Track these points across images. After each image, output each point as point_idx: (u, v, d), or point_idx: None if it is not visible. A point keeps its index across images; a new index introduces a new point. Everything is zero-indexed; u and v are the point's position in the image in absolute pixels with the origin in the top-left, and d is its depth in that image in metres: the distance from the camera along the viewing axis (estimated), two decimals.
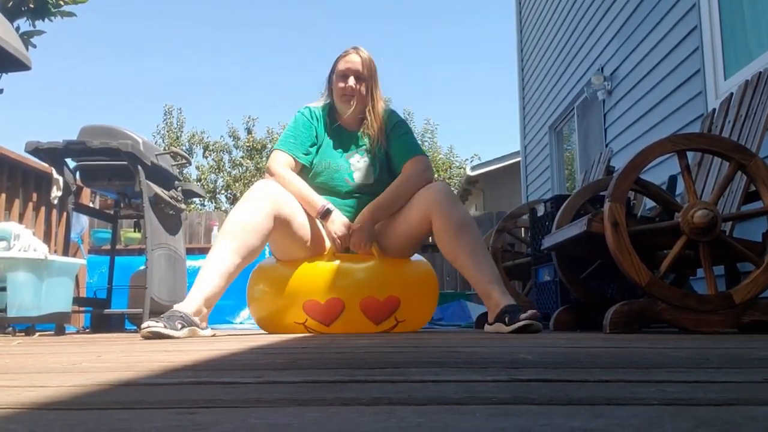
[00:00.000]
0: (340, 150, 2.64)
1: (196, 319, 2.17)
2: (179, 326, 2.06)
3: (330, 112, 2.69)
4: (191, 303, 2.19)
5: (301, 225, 2.49)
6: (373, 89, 2.63)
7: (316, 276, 2.47)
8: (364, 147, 2.65)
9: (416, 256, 2.70)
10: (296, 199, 2.48)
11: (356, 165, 2.62)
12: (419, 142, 2.72)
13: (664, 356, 1.13)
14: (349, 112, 2.61)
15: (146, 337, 2.02)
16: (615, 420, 0.50)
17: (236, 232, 2.30)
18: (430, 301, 2.64)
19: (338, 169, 2.60)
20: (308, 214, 2.50)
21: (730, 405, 0.58)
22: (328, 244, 2.55)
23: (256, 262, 2.50)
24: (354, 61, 2.61)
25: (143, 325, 2.07)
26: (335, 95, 2.64)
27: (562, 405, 0.57)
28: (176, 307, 2.18)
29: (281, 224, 2.40)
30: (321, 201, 2.48)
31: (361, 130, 2.66)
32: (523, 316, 2.16)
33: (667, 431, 0.45)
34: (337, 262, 2.50)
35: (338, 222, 2.46)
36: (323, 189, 2.57)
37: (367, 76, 2.61)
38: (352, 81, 2.59)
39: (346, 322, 2.43)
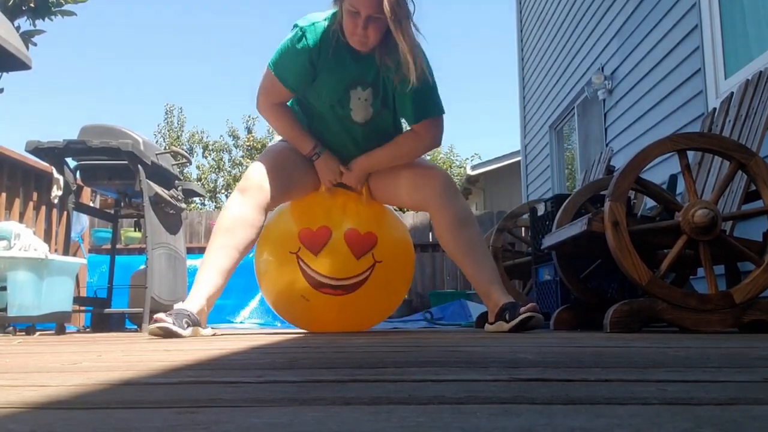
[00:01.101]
0: (341, 78, 2.28)
1: (199, 319, 2.18)
2: (186, 325, 2.06)
3: (337, 25, 2.19)
4: (195, 302, 2.19)
5: (296, 185, 2.49)
6: (401, 26, 2.06)
7: (311, 208, 2.57)
8: (371, 78, 2.28)
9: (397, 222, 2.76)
10: (286, 138, 2.49)
11: (355, 102, 2.33)
12: (438, 97, 2.34)
13: (665, 356, 1.13)
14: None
15: (155, 334, 2.01)
16: (615, 419, 0.50)
17: (232, 228, 2.29)
18: (404, 248, 2.69)
19: (335, 103, 2.33)
20: (300, 157, 2.48)
21: (731, 404, 0.57)
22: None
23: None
24: None
25: (154, 320, 2.03)
26: (344, 28, 2.15)
27: (563, 404, 0.57)
28: (182, 305, 2.17)
29: (277, 201, 2.43)
30: (310, 143, 2.45)
31: (372, 55, 2.22)
32: (522, 309, 2.16)
33: (667, 431, 0.45)
34: (330, 197, 2.57)
35: (328, 165, 2.47)
36: (315, 117, 2.44)
37: (386, 12, 2.03)
38: (361, 28, 2.10)
39: (332, 251, 2.46)
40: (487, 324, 2.38)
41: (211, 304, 2.27)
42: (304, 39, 2.20)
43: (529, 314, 2.15)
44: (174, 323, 2.01)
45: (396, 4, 2.05)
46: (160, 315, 2.05)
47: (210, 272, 2.24)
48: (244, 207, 2.32)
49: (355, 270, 2.48)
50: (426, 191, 2.41)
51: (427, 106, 2.33)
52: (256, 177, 2.38)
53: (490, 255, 2.50)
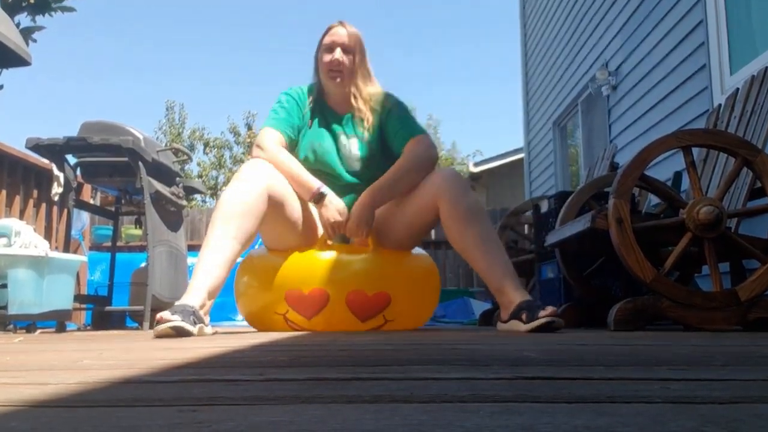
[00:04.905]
0: (327, 132, 2.49)
1: (202, 315, 2.05)
2: (193, 323, 1.93)
3: (316, 91, 2.55)
4: (197, 296, 2.04)
5: (293, 209, 2.33)
6: (360, 65, 2.49)
7: (301, 264, 2.30)
8: (352, 130, 2.50)
9: (417, 250, 2.54)
10: (287, 179, 2.32)
11: (344, 150, 2.47)
12: (419, 124, 2.56)
13: (669, 354, 1.13)
14: (337, 90, 2.48)
15: (165, 335, 1.86)
16: (619, 418, 0.49)
17: (231, 216, 2.15)
18: (426, 301, 2.48)
19: (327, 152, 2.45)
20: (300, 198, 2.34)
21: (735, 403, 0.57)
22: (321, 231, 2.38)
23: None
24: (340, 33, 2.48)
25: (159, 319, 1.89)
26: (322, 72, 2.49)
27: (566, 403, 0.57)
28: (184, 300, 2.01)
29: (273, 206, 2.24)
30: (315, 183, 2.31)
31: (350, 111, 2.51)
32: (542, 313, 2.02)
33: (671, 429, 0.45)
34: (328, 252, 2.32)
35: (333, 206, 2.30)
36: (312, 173, 2.41)
37: (355, 49, 2.47)
38: (338, 53, 2.44)
39: (330, 316, 2.24)
40: (499, 323, 2.25)
41: (214, 297, 2.13)
42: (291, 94, 2.54)
43: (548, 319, 2.01)
44: (183, 319, 1.88)
45: (359, 40, 2.50)
46: (165, 314, 1.91)
47: (209, 264, 2.10)
48: (245, 192, 2.20)
49: (360, 328, 2.28)
50: (431, 188, 2.30)
51: (409, 128, 2.48)
52: (255, 164, 2.29)
53: (502, 248, 2.31)
